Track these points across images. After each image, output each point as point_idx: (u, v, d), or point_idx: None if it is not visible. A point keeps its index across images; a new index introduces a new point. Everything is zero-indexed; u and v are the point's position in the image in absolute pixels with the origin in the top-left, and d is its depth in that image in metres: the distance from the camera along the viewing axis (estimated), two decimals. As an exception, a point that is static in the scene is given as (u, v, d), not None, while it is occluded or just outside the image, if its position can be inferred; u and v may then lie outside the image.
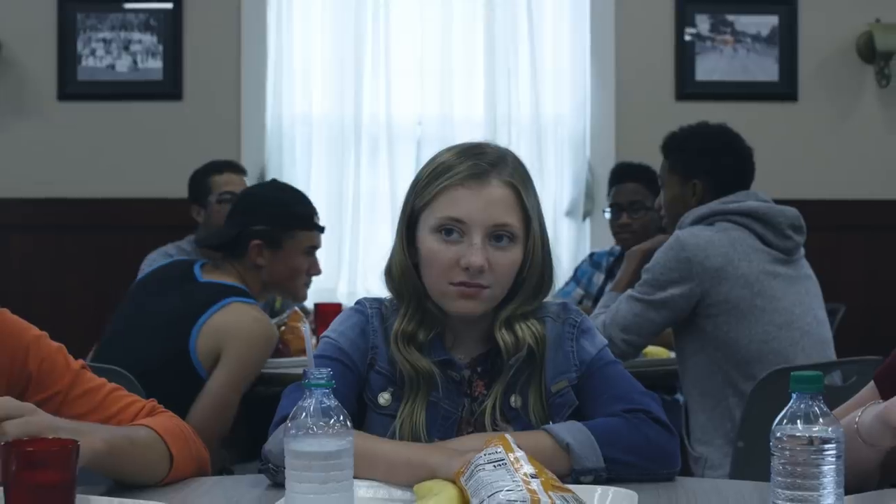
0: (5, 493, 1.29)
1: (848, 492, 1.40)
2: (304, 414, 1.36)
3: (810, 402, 1.31)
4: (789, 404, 1.32)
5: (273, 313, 3.89)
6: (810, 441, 1.29)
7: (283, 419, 1.60)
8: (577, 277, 4.40)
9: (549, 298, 1.91)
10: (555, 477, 1.42)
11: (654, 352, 3.40)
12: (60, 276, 4.96)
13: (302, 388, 1.44)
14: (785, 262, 3.07)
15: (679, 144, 3.28)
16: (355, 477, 1.42)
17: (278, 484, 1.61)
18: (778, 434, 1.31)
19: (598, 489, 1.55)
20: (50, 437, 1.41)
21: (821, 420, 1.30)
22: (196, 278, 2.96)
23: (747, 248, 3.03)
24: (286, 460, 1.38)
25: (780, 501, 1.30)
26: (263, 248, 2.98)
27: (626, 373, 1.88)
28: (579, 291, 4.30)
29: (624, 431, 1.72)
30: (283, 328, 3.33)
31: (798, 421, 1.30)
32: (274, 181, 3.18)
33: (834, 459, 1.29)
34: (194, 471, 1.74)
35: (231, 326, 2.82)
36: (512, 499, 1.33)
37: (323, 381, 1.37)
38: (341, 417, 1.36)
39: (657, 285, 3.04)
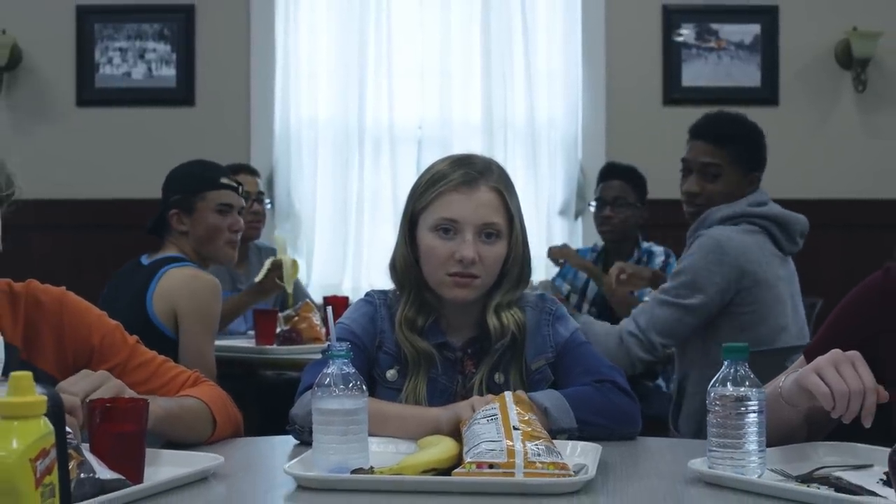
0: (90, 440, 1.54)
1: (774, 445, 1.65)
2: (327, 379, 1.62)
3: (738, 368, 1.55)
4: (721, 369, 1.56)
5: (284, 306, 4.12)
6: (737, 399, 1.53)
7: (307, 388, 1.89)
8: (563, 273, 4.52)
9: (537, 290, 2.16)
10: (539, 428, 1.65)
11: None
12: (78, 274, 4.91)
13: (319, 366, 1.71)
14: (784, 263, 3.12)
15: (743, 134, 3.15)
16: (369, 434, 1.66)
17: (304, 442, 1.87)
18: (712, 394, 1.55)
19: (570, 443, 1.79)
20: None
21: (746, 382, 1.54)
22: (142, 264, 3.26)
23: (767, 252, 3.06)
24: (313, 417, 1.63)
25: (714, 448, 1.55)
26: (181, 215, 3.26)
27: (596, 351, 2.14)
28: (566, 286, 4.43)
29: (594, 397, 1.98)
30: (295, 318, 3.56)
31: (728, 383, 1.54)
32: (186, 162, 3.44)
33: (756, 415, 1.52)
34: (232, 432, 1.97)
35: (175, 289, 3.11)
36: (491, 448, 1.56)
37: (343, 353, 1.64)
38: (358, 382, 1.63)
39: (696, 287, 2.99)
